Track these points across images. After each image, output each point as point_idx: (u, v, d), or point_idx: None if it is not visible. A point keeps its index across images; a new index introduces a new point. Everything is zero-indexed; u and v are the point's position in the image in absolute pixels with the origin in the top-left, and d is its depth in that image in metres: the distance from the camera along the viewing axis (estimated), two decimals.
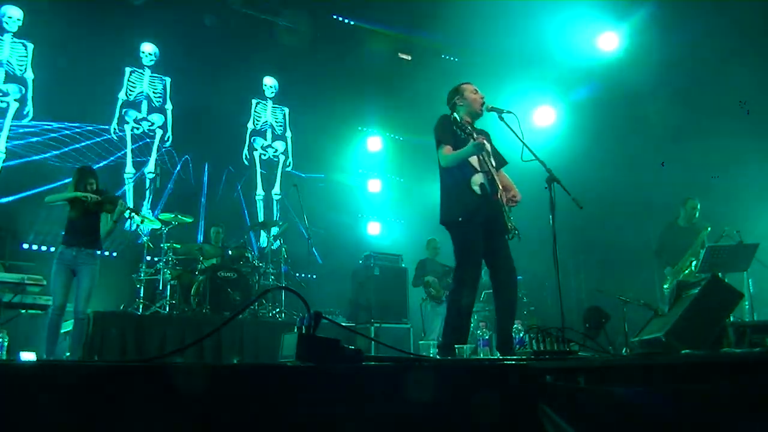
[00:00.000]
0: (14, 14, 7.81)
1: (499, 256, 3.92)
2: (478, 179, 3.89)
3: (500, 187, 3.92)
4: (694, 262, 6.17)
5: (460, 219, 3.85)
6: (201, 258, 6.71)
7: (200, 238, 8.31)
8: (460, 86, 4.20)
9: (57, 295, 5.02)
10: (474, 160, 3.89)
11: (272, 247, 7.67)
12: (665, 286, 6.48)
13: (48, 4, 7.82)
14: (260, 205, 9.47)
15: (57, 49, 7.69)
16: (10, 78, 7.62)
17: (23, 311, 5.54)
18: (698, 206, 6.55)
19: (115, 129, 8.27)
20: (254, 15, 9.01)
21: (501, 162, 4.26)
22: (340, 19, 10.03)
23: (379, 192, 10.70)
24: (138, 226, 7.11)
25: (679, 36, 7.65)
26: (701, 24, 7.34)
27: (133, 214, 5.78)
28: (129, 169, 8.31)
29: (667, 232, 6.70)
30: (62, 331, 6.16)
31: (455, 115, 3.95)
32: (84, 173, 5.30)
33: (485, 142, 3.83)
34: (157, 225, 6.64)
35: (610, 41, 8.71)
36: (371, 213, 10.57)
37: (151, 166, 8.46)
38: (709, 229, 6.39)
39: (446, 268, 7.36)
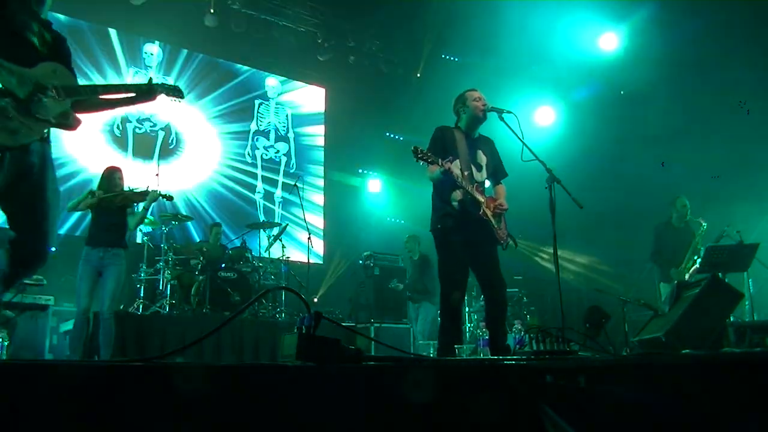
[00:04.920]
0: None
1: (486, 273, 3.97)
2: (458, 195, 3.91)
3: (483, 201, 3.91)
4: (698, 260, 6.09)
5: (439, 226, 3.95)
6: (201, 258, 6.71)
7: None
8: (464, 94, 4.16)
9: (81, 298, 4.85)
10: (457, 174, 3.85)
11: (272, 247, 7.67)
12: (662, 286, 6.39)
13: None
14: (260, 204, 9.48)
15: None
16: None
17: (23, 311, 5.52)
18: (688, 204, 6.48)
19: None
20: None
21: (500, 174, 4.23)
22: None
23: (379, 192, 10.71)
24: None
25: (679, 35, 7.65)
26: (701, 23, 7.34)
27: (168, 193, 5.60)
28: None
29: (663, 233, 6.61)
30: (62, 330, 6.17)
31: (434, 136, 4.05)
32: (111, 173, 5.16)
33: (452, 167, 3.78)
34: (157, 225, 6.64)
35: (610, 41, 8.73)
36: (371, 213, 10.57)
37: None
38: (705, 225, 6.34)
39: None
